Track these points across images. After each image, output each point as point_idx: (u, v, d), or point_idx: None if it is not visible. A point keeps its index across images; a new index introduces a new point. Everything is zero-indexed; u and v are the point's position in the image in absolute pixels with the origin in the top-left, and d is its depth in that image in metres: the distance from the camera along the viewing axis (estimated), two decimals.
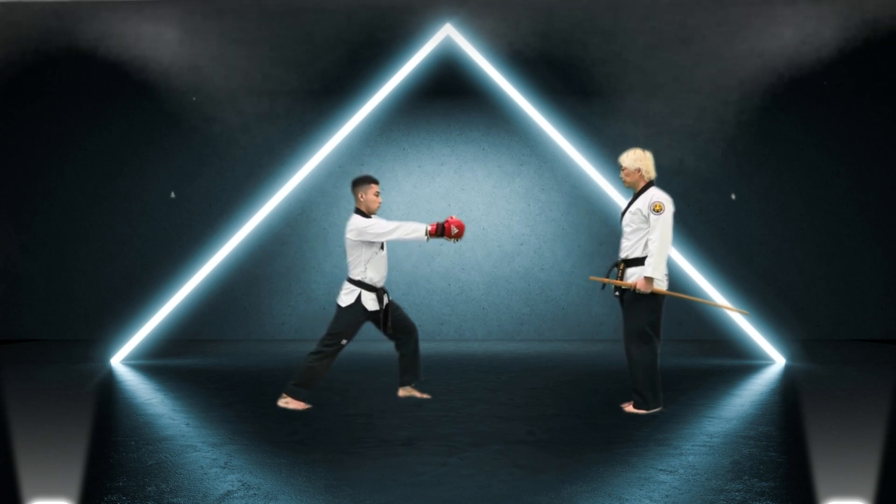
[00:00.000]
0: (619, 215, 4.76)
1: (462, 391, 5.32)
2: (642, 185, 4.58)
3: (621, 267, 4.56)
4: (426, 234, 4.47)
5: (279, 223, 8.63)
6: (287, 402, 4.63)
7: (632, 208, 4.56)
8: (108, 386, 5.65)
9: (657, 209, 4.41)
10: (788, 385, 5.63)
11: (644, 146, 8.92)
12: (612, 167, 8.37)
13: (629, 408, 4.56)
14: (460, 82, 8.53)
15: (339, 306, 4.68)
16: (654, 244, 4.39)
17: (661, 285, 4.46)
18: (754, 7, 8.51)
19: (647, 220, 4.46)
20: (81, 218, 8.69)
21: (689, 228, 8.15)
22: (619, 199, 7.83)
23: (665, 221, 4.40)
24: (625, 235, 4.60)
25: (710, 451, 3.68)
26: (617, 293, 4.58)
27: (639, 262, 4.48)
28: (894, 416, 4.40)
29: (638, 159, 4.56)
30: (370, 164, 8.75)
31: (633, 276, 4.48)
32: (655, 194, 4.48)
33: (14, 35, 8.60)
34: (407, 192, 8.78)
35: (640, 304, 4.46)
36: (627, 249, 4.54)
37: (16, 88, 8.65)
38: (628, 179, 4.60)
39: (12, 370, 6.35)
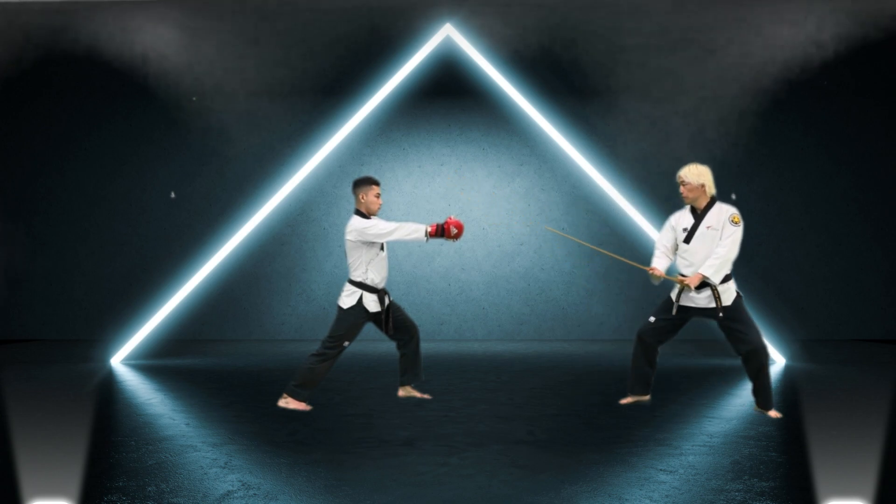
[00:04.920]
0: (682, 234, 4.54)
1: (462, 391, 5.32)
2: (705, 201, 4.50)
3: (714, 288, 4.41)
4: (426, 235, 4.47)
5: (279, 223, 8.62)
6: (287, 403, 4.63)
7: (703, 226, 4.45)
8: (108, 386, 5.65)
9: (735, 220, 4.41)
10: (788, 385, 5.63)
11: (644, 146, 8.96)
12: (612, 167, 8.38)
13: (775, 414, 4.47)
14: (460, 82, 8.52)
15: (340, 308, 4.67)
16: (723, 249, 4.36)
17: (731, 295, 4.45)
18: (754, 7, 8.51)
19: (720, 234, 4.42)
20: (81, 218, 8.69)
21: None
22: (619, 199, 7.83)
23: (739, 234, 4.40)
24: (705, 254, 4.44)
25: (710, 451, 3.68)
26: (720, 315, 4.41)
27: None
28: (894, 416, 4.40)
29: (701, 174, 4.48)
30: (370, 164, 8.75)
31: (727, 291, 4.42)
32: (731, 208, 4.46)
33: (14, 35, 8.60)
34: (407, 192, 8.78)
35: (745, 312, 4.41)
36: (700, 268, 4.43)
37: (16, 88, 8.65)
38: (691, 195, 4.50)
39: (12, 370, 6.35)
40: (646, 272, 4.68)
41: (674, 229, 4.62)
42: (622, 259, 5.22)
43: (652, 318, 4.66)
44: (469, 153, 8.83)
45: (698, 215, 4.51)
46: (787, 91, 8.59)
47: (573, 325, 8.70)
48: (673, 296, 4.59)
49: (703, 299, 4.45)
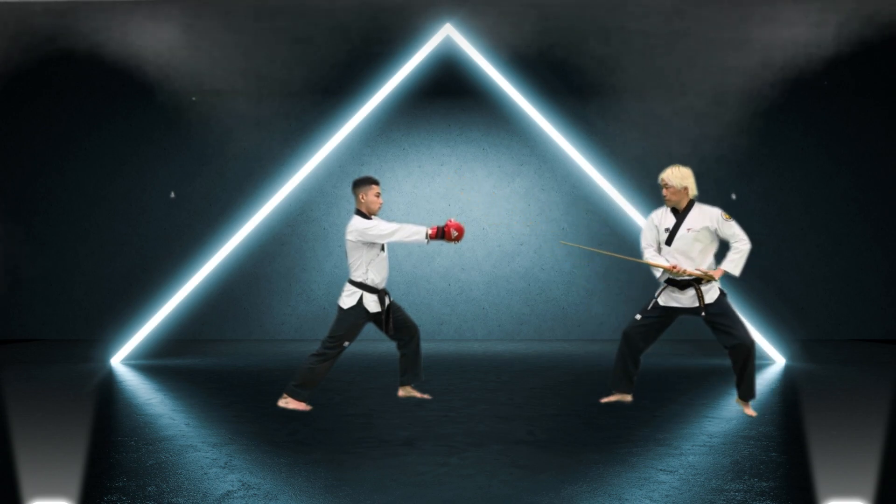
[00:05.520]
0: (664, 234, 4.54)
1: (462, 391, 5.32)
2: (686, 203, 4.52)
3: (698, 288, 4.43)
4: (426, 238, 4.47)
5: (279, 223, 8.62)
6: (287, 403, 4.63)
7: (683, 228, 4.46)
8: (108, 386, 5.65)
9: (727, 217, 4.43)
10: (788, 385, 5.63)
11: (643, 146, 8.95)
12: (612, 167, 8.38)
13: (751, 412, 4.51)
14: (460, 82, 8.53)
15: (340, 308, 4.67)
16: (741, 244, 4.39)
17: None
18: (754, 7, 8.51)
19: (712, 234, 4.44)
20: (81, 218, 8.69)
21: None
22: (619, 199, 7.83)
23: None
24: (685, 255, 4.46)
25: (710, 451, 3.68)
26: (703, 314, 4.44)
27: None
28: (894, 416, 4.41)
29: (684, 177, 4.48)
30: (370, 164, 8.75)
31: (711, 290, 4.44)
32: (713, 209, 4.46)
33: (14, 35, 8.60)
34: (407, 192, 8.78)
35: (730, 308, 4.43)
36: (695, 269, 4.44)
37: (16, 88, 8.65)
38: (674, 198, 4.51)
39: (12, 370, 6.36)
40: (650, 270, 4.68)
41: (656, 228, 4.63)
42: (639, 261, 5.15)
43: (638, 316, 4.69)
44: (469, 153, 8.83)
45: (679, 216, 4.53)
46: (787, 91, 8.59)
47: (573, 325, 8.70)
48: (657, 296, 4.61)
49: (687, 299, 4.48)
